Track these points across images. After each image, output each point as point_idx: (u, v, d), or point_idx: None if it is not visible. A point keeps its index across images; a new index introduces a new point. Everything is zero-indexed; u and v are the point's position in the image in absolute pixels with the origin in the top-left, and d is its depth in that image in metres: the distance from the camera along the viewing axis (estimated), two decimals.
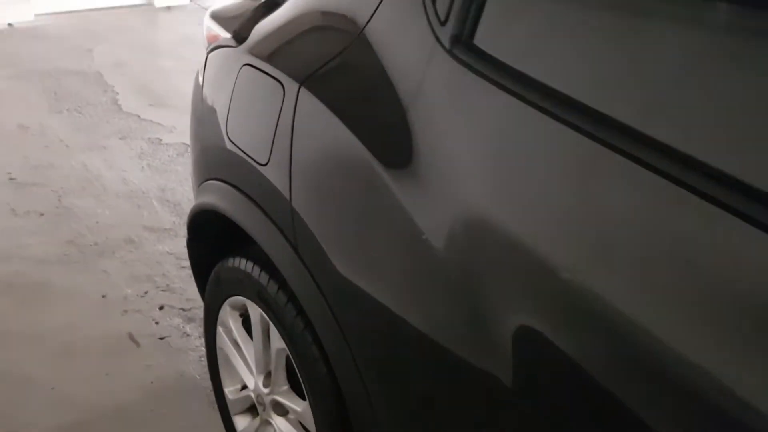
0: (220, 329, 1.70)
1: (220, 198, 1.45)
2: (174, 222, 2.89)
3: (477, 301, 0.93)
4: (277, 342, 1.44)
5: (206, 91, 1.53)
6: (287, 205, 1.23)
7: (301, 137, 1.19)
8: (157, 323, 2.34)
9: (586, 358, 0.80)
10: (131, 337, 2.28)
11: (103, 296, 2.47)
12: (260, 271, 1.43)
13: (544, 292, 0.86)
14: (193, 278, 1.83)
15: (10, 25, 5.51)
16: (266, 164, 1.27)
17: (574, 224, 0.84)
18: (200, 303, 1.89)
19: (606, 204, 0.81)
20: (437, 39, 1.03)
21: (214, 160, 1.50)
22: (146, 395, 2.07)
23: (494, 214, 0.93)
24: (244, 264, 1.48)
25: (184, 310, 2.40)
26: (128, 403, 2.04)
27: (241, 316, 1.62)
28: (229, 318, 1.64)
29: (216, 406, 1.85)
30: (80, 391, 2.06)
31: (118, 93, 4.21)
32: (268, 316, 1.44)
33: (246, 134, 1.35)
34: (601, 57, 0.87)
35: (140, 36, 5.35)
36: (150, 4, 6.06)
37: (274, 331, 1.45)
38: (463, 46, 1.00)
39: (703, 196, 0.69)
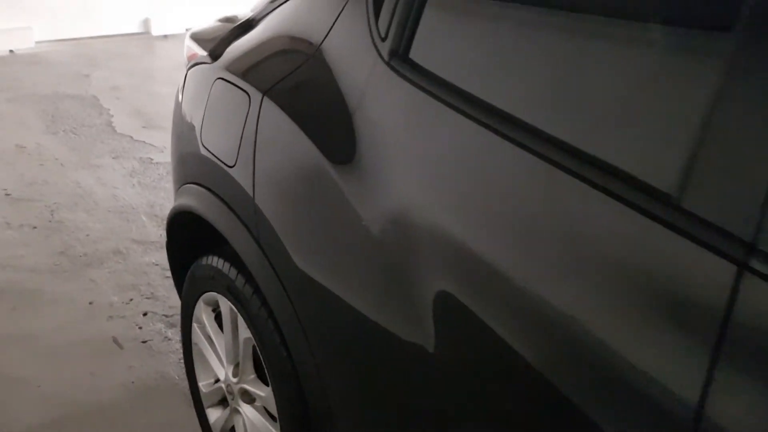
0: (195, 326, 1.83)
1: (195, 199, 1.60)
2: (161, 235, 3.02)
3: (405, 279, 1.07)
4: (245, 332, 1.57)
5: (184, 104, 1.69)
6: (251, 202, 1.38)
7: (263, 140, 1.33)
8: (140, 328, 2.47)
9: (495, 323, 0.94)
10: (115, 340, 2.40)
11: (90, 303, 2.59)
12: (230, 266, 1.56)
13: (459, 268, 0.99)
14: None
15: (11, 51, 5.70)
16: (233, 166, 1.42)
17: (486, 209, 0.98)
18: None
19: (512, 192, 0.95)
20: (378, 53, 1.18)
21: (190, 166, 1.65)
22: (128, 393, 2.18)
23: (420, 203, 1.07)
24: (215, 261, 1.62)
25: (166, 316, 2.53)
26: (110, 400, 2.15)
27: (213, 311, 1.75)
28: (203, 314, 1.77)
29: (192, 402, 1.97)
30: (65, 390, 2.18)
31: (112, 115, 4.38)
32: (236, 308, 1.58)
33: (217, 140, 1.50)
34: (512, 68, 1.02)
35: (137, 62, 5.54)
36: (147, 33, 6.28)
37: (241, 322, 1.58)
38: (400, 59, 1.16)
39: (589, 183, 0.82)
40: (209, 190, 1.55)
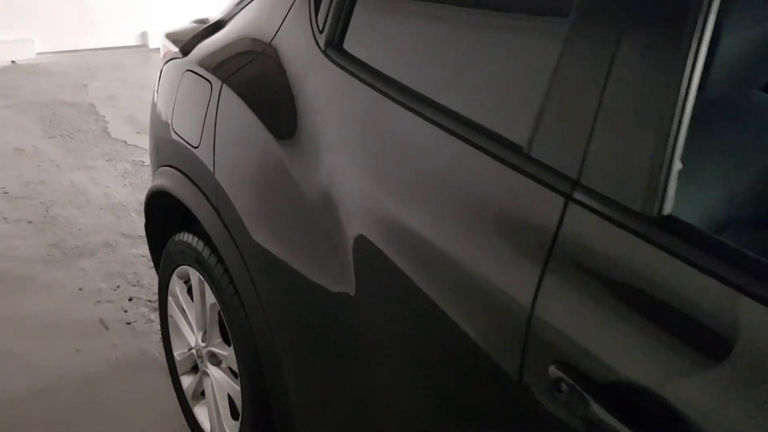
0: (170, 299, 2.01)
1: (167, 179, 1.79)
2: None
3: (331, 238, 1.25)
4: (210, 298, 1.75)
5: (159, 96, 1.89)
6: (212, 177, 1.57)
7: (222, 121, 1.53)
8: (125, 311, 2.65)
9: (403, 266, 1.12)
10: (102, 321, 2.58)
11: (80, 289, 2.77)
12: (198, 240, 1.75)
13: (375, 224, 1.18)
14: None
15: (13, 62, 5.93)
16: (198, 146, 1.61)
17: (397, 170, 1.17)
18: None
19: (418, 156, 1.14)
20: (317, 43, 1.38)
21: (164, 151, 1.84)
22: (110, 368, 2.36)
23: (346, 170, 1.25)
24: (186, 237, 1.80)
25: (150, 301, 2.71)
26: (94, 373, 2.33)
27: (185, 284, 1.93)
28: (176, 287, 1.95)
29: (169, 374, 2.15)
30: (53, 364, 2.35)
31: (108, 122, 4.59)
32: (203, 277, 1.76)
33: (185, 124, 1.70)
34: (422, 56, 1.22)
35: (133, 73, 5.75)
36: (145, 45, 6.51)
37: (208, 290, 1.76)
38: (335, 49, 1.35)
39: (473, 144, 1.01)
40: (179, 170, 1.74)
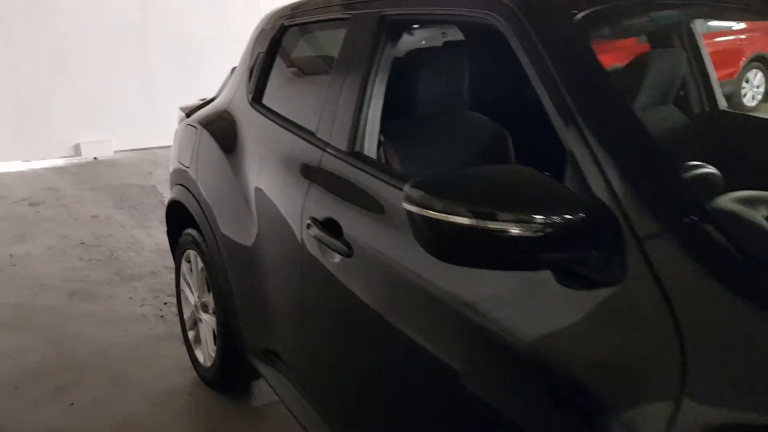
0: (181, 278, 3.07)
1: (177, 193, 2.89)
2: None
3: (248, 212, 2.30)
4: (200, 264, 2.80)
5: (174, 142, 3.02)
6: (198, 187, 2.65)
7: (201, 149, 2.63)
8: (160, 310, 3.71)
9: (271, 217, 2.15)
10: (143, 316, 3.65)
11: (130, 298, 3.87)
12: (196, 231, 2.82)
13: (258, 194, 2.23)
14: None
15: (95, 158, 7.37)
16: (189, 167, 2.72)
17: (283, 163, 2.22)
18: None
19: (289, 155, 2.19)
20: (248, 101, 2.48)
21: (175, 174, 2.95)
22: (146, 340, 3.39)
23: (256, 169, 2.32)
24: (190, 230, 2.87)
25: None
26: (134, 342, 3.37)
27: (188, 262, 2.99)
28: (184, 267, 3.01)
29: (183, 340, 3.17)
30: (107, 338, 3.41)
31: (165, 197, 5.83)
32: (197, 253, 2.81)
33: (183, 154, 2.81)
34: (297, 104, 2.30)
35: None
36: None
37: (199, 260, 2.81)
38: (256, 102, 2.45)
39: (314, 143, 2.06)
40: (183, 186, 2.84)
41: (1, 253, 4.60)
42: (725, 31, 10.33)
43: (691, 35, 2.45)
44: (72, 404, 2.84)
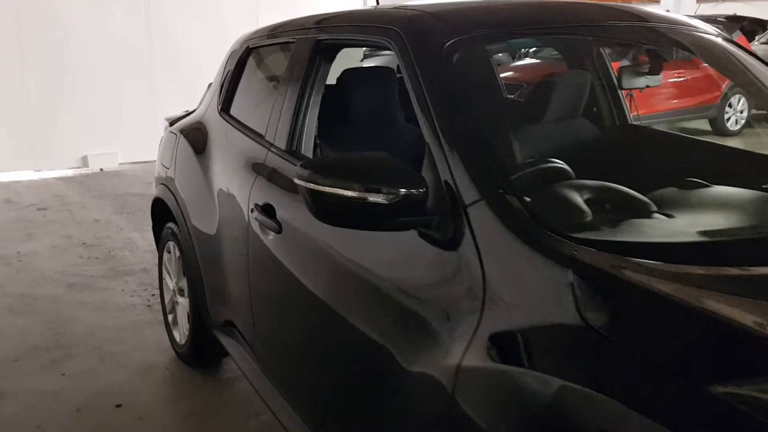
0: (163, 268, 3.49)
1: (159, 191, 3.32)
2: None
3: (213, 204, 2.72)
4: (177, 253, 3.22)
5: (159, 148, 3.46)
6: (175, 186, 3.08)
7: (179, 152, 3.06)
8: (148, 300, 4.13)
9: (232, 206, 2.57)
10: (132, 305, 4.07)
11: (122, 290, 4.29)
12: (175, 225, 3.24)
13: (221, 190, 2.65)
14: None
15: (101, 169, 7.84)
16: (169, 168, 3.15)
17: (243, 161, 2.65)
18: None
19: (245, 155, 2.61)
20: (218, 111, 2.92)
21: (159, 174, 3.39)
22: (133, 324, 3.81)
23: (221, 167, 2.74)
24: (170, 224, 3.29)
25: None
26: (123, 325, 3.78)
27: (168, 253, 3.41)
28: (165, 258, 3.43)
29: (164, 325, 3.58)
30: (100, 322, 3.82)
31: None
32: (175, 243, 3.23)
33: (165, 158, 3.24)
34: (254, 113, 2.72)
35: None
36: None
37: (177, 251, 3.23)
38: (224, 112, 2.89)
39: (262, 144, 2.48)
40: (164, 185, 3.27)
41: (10, 250, 5.04)
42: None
43: (601, 59, 2.86)
44: (64, 374, 3.25)
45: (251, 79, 2.88)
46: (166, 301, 3.51)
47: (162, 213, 3.42)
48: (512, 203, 1.48)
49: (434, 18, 1.94)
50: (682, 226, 1.61)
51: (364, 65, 6.78)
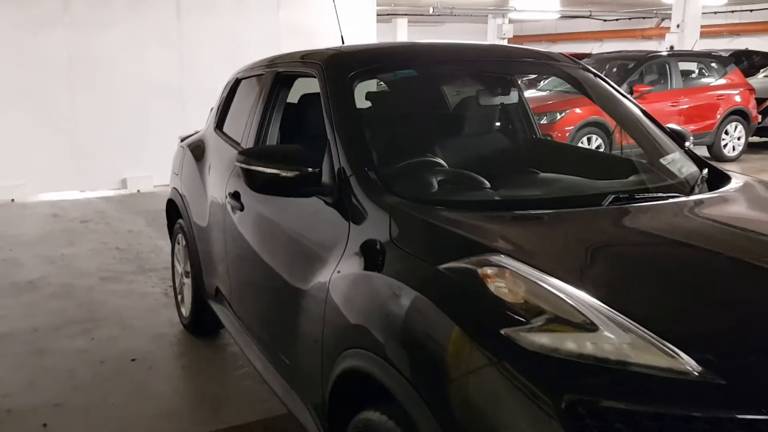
0: (174, 257, 4.31)
1: (171, 193, 4.15)
2: None
3: (206, 203, 3.53)
4: (183, 242, 4.03)
5: (173, 160, 4.30)
6: (182, 188, 3.91)
7: (185, 162, 3.90)
8: (166, 290, 4.95)
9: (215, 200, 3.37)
10: (152, 293, 4.89)
11: (146, 282, 5.13)
12: (182, 220, 4.05)
13: (211, 192, 3.46)
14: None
15: (138, 190, 8.79)
16: (178, 175, 3.98)
17: (226, 165, 3.46)
18: None
19: (227, 157, 3.42)
20: (214, 128, 3.75)
21: (171, 180, 4.22)
22: (150, 306, 4.63)
23: (214, 173, 3.56)
24: (180, 220, 4.11)
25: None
26: (145, 306, 4.60)
27: (178, 244, 4.23)
28: (176, 248, 4.26)
29: (176, 306, 4.38)
30: (128, 304, 4.65)
31: None
32: (183, 235, 4.05)
33: (176, 167, 4.08)
34: (240, 128, 3.54)
35: None
36: None
37: (184, 242, 4.04)
38: (218, 129, 3.72)
39: (237, 149, 3.28)
40: (175, 189, 4.10)
41: (55, 252, 5.95)
42: (703, 87, 11.33)
43: (516, 85, 3.61)
44: (92, 339, 4.07)
45: (237, 102, 3.70)
46: (177, 284, 4.32)
47: (173, 211, 4.25)
48: (370, 176, 2.24)
49: (346, 56, 2.73)
50: (490, 195, 2.35)
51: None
